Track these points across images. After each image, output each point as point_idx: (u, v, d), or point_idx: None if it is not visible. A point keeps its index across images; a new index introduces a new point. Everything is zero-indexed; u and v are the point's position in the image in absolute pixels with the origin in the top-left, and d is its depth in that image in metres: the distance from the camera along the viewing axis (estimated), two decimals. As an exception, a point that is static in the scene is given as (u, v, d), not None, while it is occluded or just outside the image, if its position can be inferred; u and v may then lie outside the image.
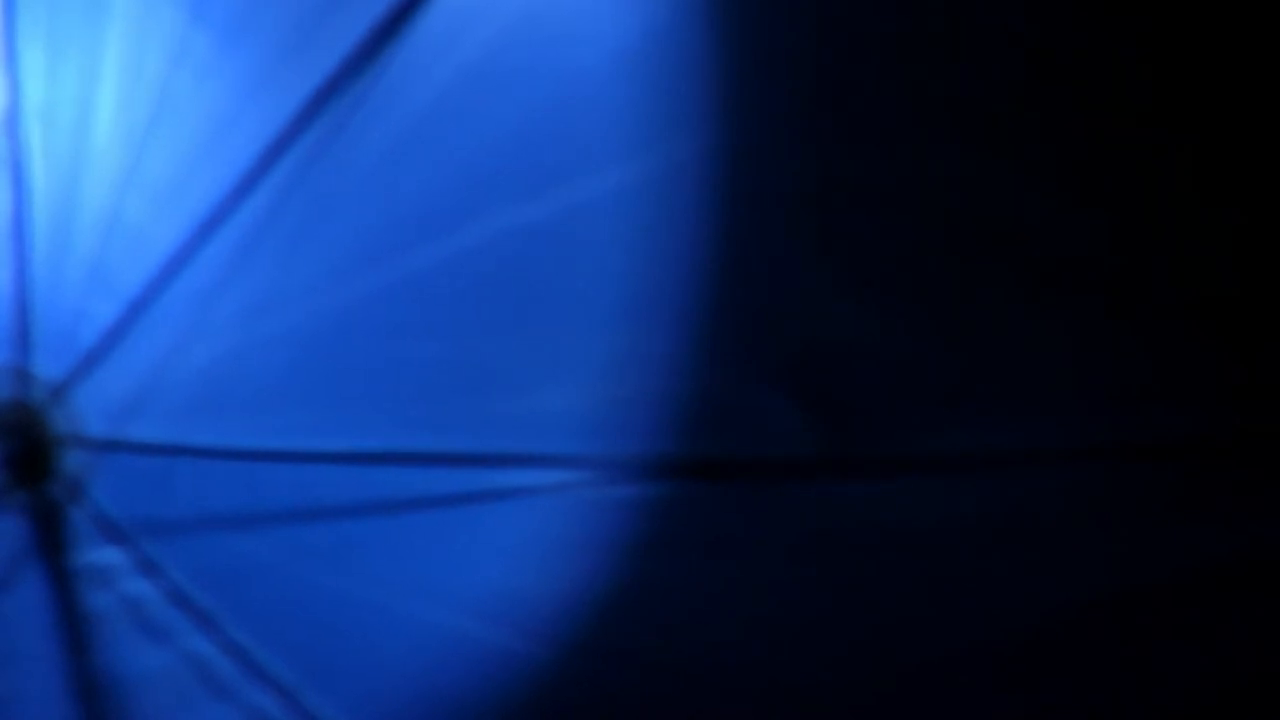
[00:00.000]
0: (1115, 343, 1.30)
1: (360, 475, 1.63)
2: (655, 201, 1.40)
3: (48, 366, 1.69)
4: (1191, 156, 1.24)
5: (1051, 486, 1.36)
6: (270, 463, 1.66)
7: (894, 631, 1.48)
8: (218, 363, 1.64)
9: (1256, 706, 1.35)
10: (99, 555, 1.74)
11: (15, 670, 1.78)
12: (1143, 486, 1.33)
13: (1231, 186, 1.24)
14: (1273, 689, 1.35)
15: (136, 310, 1.64)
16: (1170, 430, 1.31)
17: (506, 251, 1.48)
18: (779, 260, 1.39)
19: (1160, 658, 1.38)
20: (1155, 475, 1.32)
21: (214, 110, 1.57)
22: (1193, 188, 1.25)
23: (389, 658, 1.70)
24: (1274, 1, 1.19)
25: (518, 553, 1.58)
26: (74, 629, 1.73)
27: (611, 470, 1.50)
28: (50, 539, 1.71)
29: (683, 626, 1.56)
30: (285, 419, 1.65)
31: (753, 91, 1.36)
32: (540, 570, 1.56)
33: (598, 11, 1.39)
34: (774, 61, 1.35)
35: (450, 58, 1.46)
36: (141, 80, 1.58)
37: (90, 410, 1.69)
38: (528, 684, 1.62)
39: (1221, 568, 1.33)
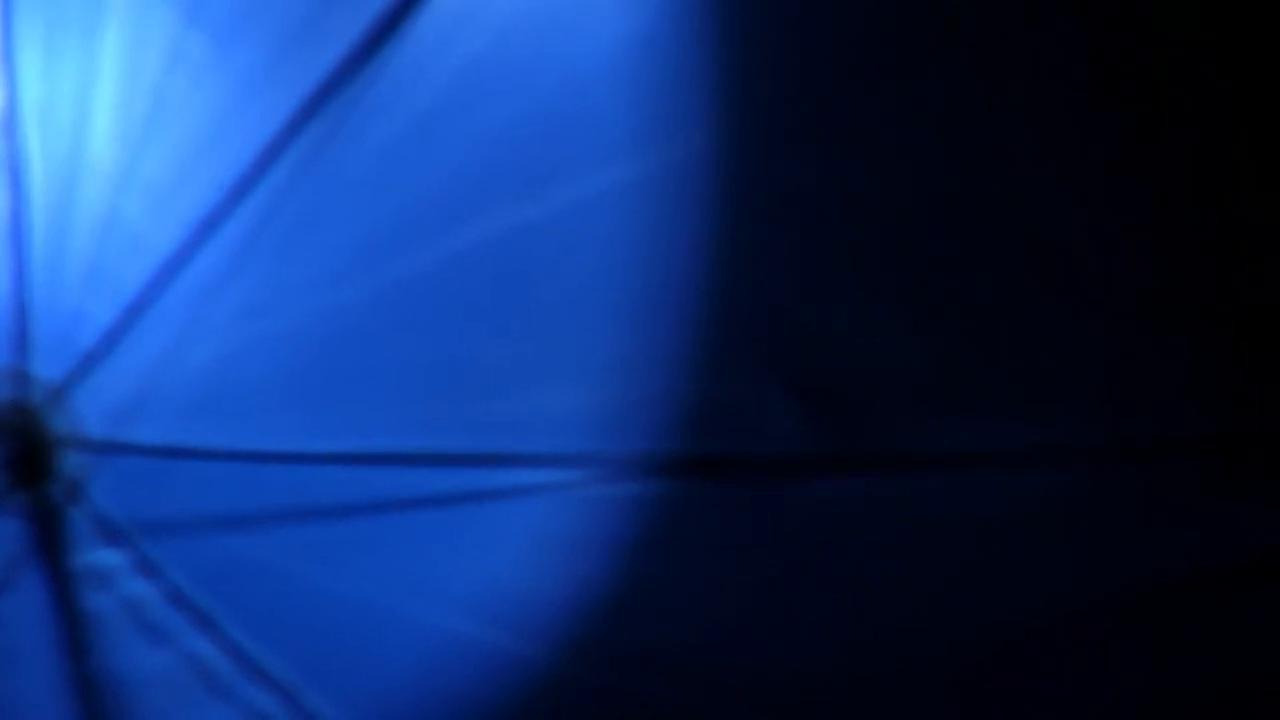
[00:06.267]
0: (1122, 340, 1.30)
1: (361, 476, 1.63)
2: (656, 200, 1.40)
3: (46, 368, 1.68)
4: (1200, 156, 1.24)
5: (1054, 484, 1.36)
6: (270, 464, 1.66)
7: (896, 629, 1.48)
8: (217, 363, 1.64)
9: (1264, 706, 1.35)
10: (98, 556, 1.73)
11: (15, 672, 1.78)
12: (1146, 486, 1.34)
13: (1255, 189, 1.24)
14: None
15: (135, 311, 1.64)
16: (1181, 429, 1.31)
17: (506, 250, 1.48)
18: (780, 258, 1.39)
19: (1167, 656, 1.38)
20: (1162, 474, 1.32)
21: (211, 111, 1.57)
22: (1209, 186, 1.25)
23: (389, 658, 1.70)
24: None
25: (518, 552, 1.58)
26: (74, 630, 1.73)
27: (612, 468, 1.50)
28: (50, 540, 1.71)
29: (684, 625, 1.56)
30: (285, 419, 1.65)
31: (753, 89, 1.35)
32: (541, 570, 1.56)
33: (597, 9, 1.39)
34: (775, 59, 1.35)
35: (448, 57, 1.46)
36: (138, 81, 1.58)
37: (89, 411, 1.69)
38: (528, 684, 1.62)
39: (1234, 567, 1.33)
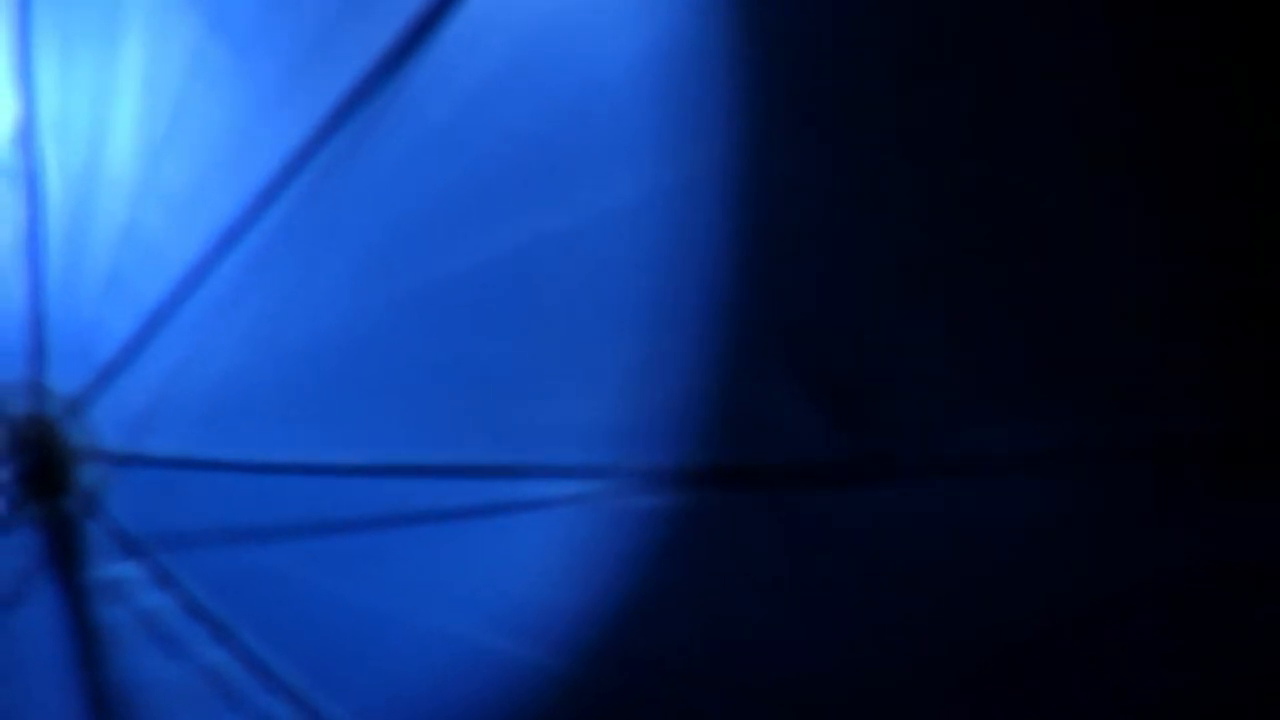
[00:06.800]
0: (1136, 341, 1.31)
1: (378, 487, 1.63)
2: (679, 209, 1.40)
3: (64, 380, 1.67)
4: (1215, 158, 1.25)
5: (1068, 486, 1.37)
6: (287, 475, 1.66)
7: (912, 633, 1.48)
8: (235, 375, 1.63)
9: (1264, 706, 1.36)
10: (115, 569, 1.73)
11: (30, 683, 1.77)
12: (1156, 486, 1.35)
13: (1268, 191, 1.24)
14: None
15: (153, 324, 1.63)
16: (1192, 429, 1.31)
17: (528, 260, 1.48)
18: (803, 267, 1.40)
19: (1169, 655, 1.39)
20: (1171, 474, 1.33)
21: (232, 121, 1.56)
22: (1224, 188, 1.25)
23: (406, 668, 1.69)
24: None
25: (538, 563, 1.58)
26: (89, 642, 1.72)
27: (635, 479, 1.50)
28: (66, 553, 1.70)
29: (705, 634, 1.56)
30: (302, 431, 1.64)
31: (776, 98, 1.36)
32: (561, 580, 1.56)
33: (620, 20, 1.39)
34: (796, 68, 1.35)
35: (472, 67, 1.46)
36: (158, 91, 1.56)
37: (106, 424, 1.68)
38: (547, 693, 1.62)
39: (1236, 567, 1.34)
